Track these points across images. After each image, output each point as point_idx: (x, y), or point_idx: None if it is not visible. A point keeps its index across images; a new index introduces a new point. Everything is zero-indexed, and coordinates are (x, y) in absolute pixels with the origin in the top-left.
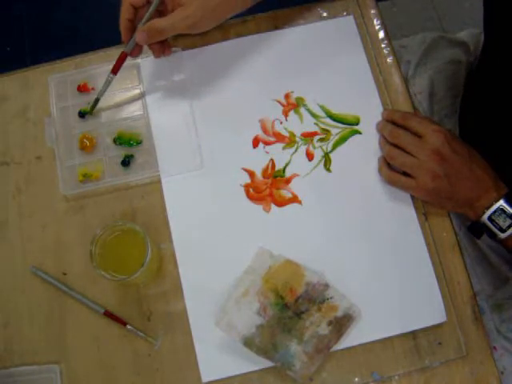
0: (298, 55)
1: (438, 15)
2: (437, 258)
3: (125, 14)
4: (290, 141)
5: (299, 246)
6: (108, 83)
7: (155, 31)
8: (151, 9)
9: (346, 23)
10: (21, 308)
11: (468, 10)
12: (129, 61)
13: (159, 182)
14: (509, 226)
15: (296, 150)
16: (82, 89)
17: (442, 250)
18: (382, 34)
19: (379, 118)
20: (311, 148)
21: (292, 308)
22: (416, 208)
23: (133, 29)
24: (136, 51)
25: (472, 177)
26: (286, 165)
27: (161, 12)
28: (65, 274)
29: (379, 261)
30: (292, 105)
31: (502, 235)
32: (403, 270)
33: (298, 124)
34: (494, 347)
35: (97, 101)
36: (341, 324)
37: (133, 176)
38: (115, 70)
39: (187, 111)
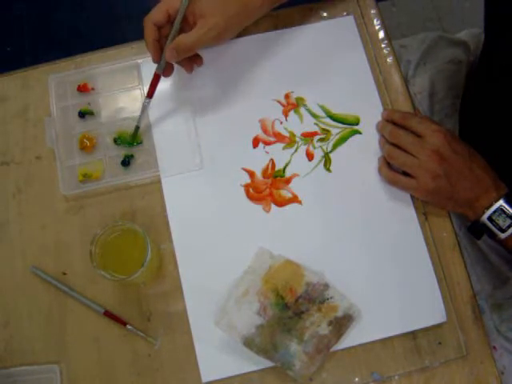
0: (298, 55)
1: (437, 15)
2: (437, 258)
3: (150, 35)
4: (290, 141)
5: (299, 246)
6: (145, 108)
7: (184, 47)
8: (175, 25)
9: (346, 23)
10: (21, 308)
11: (468, 10)
12: (129, 61)
13: (159, 182)
14: (508, 226)
15: (296, 150)
16: (82, 89)
17: (442, 250)
18: (381, 34)
19: (379, 118)
20: (311, 148)
21: (292, 308)
22: (416, 208)
23: (161, 48)
24: (168, 70)
25: (472, 177)
26: (286, 165)
27: (182, 26)
28: (65, 273)
29: (379, 261)
30: (292, 105)
31: (502, 235)
32: (403, 269)
33: (297, 124)
34: (494, 347)
35: (137, 128)
36: (341, 324)
37: (133, 176)
38: (150, 94)
39: (187, 111)
